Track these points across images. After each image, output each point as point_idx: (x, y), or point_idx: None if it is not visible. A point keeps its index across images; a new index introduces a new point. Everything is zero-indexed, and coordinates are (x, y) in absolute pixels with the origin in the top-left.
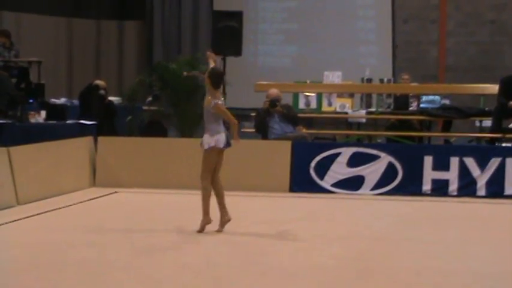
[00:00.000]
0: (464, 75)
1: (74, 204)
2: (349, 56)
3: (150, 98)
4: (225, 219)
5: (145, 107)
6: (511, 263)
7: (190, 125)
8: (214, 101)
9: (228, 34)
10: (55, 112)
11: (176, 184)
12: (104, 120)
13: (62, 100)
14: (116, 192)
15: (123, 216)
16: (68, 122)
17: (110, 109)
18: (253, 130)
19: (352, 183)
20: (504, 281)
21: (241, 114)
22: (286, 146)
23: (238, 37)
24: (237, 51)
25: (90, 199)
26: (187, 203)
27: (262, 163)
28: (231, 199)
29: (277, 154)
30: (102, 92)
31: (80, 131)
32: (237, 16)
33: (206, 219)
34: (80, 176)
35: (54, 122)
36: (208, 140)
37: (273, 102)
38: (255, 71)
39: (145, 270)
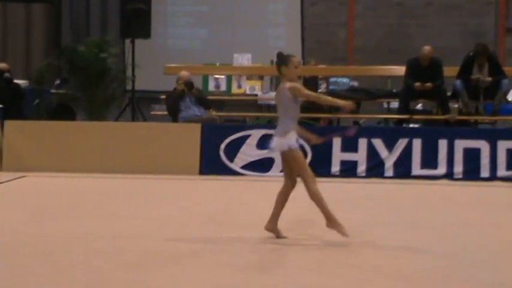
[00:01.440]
0: (373, 57)
1: None
2: (258, 39)
3: (58, 81)
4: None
5: (53, 90)
6: (416, 241)
7: (99, 108)
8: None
9: (137, 16)
10: None
11: (86, 167)
12: (11, 103)
13: None
14: (24, 176)
15: (32, 200)
16: None
17: (16, 92)
18: (163, 113)
19: (262, 165)
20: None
21: (150, 97)
22: (196, 129)
23: (147, 19)
24: (146, 34)
25: None
26: (97, 186)
27: (172, 146)
28: (140, 182)
29: (187, 137)
30: (7, 75)
31: None
32: None
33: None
34: None
35: None
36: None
37: (190, 84)
38: (164, 54)
39: (41, 258)
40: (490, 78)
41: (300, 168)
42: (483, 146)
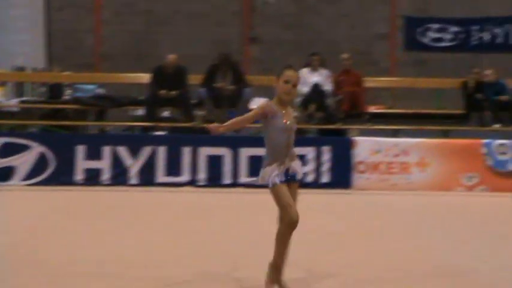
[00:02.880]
0: (120, 64)
1: None
2: (1, 44)
3: None
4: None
5: None
6: (171, 248)
7: None
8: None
9: None
10: None
11: None
12: None
13: None
14: None
15: None
16: None
17: None
18: None
19: (3, 174)
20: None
21: None
22: None
23: None
24: None
25: None
26: None
27: None
28: None
29: None
30: None
31: None
32: None
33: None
34: None
35: None
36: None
37: None
38: None
39: None
40: (233, 87)
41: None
42: (226, 153)
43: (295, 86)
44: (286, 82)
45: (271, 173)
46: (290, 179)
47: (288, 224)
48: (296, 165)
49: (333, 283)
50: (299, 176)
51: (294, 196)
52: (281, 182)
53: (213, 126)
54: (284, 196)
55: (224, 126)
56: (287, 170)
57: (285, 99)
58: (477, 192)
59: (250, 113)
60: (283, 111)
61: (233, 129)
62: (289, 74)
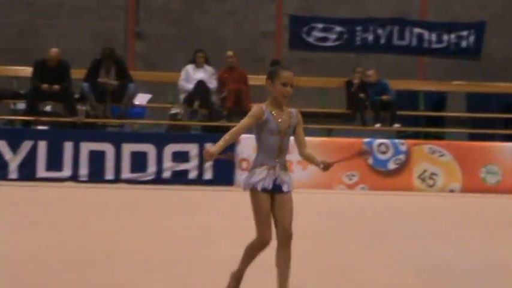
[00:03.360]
0: (1, 56)
1: None
2: None
3: None
4: None
5: None
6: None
7: None
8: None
9: None
10: None
11: None
12: None
13: None
14: None
15: None
16: None
17: None
18: None
19: None
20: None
21: None
22: None
23: None
24: None
25: None
26: None
27: None
28: None
29: None
30: None
31: None
32: None
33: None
34: None
35: None
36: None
37: None
38: None
39: None
40: (116, 82)
41: (254, 216)
42: (108, 148)
43: (292, 86)
44: (284, 85)
45: (256, 175)
46: (276, 190)
47: (257, 242)
48: (285, 175)
49: (213, 277)
50: (286, 188)
51: (283, 208)
52: (264, 189)
53: (208, 150)
54: (261, 209)
55: (218, 146)
56: (275, 179)
57: (284, 102)
58: (357, 190)
59: (245, 123)
60: (277, 113)
61: (229, 145)
62: (286, 75)
